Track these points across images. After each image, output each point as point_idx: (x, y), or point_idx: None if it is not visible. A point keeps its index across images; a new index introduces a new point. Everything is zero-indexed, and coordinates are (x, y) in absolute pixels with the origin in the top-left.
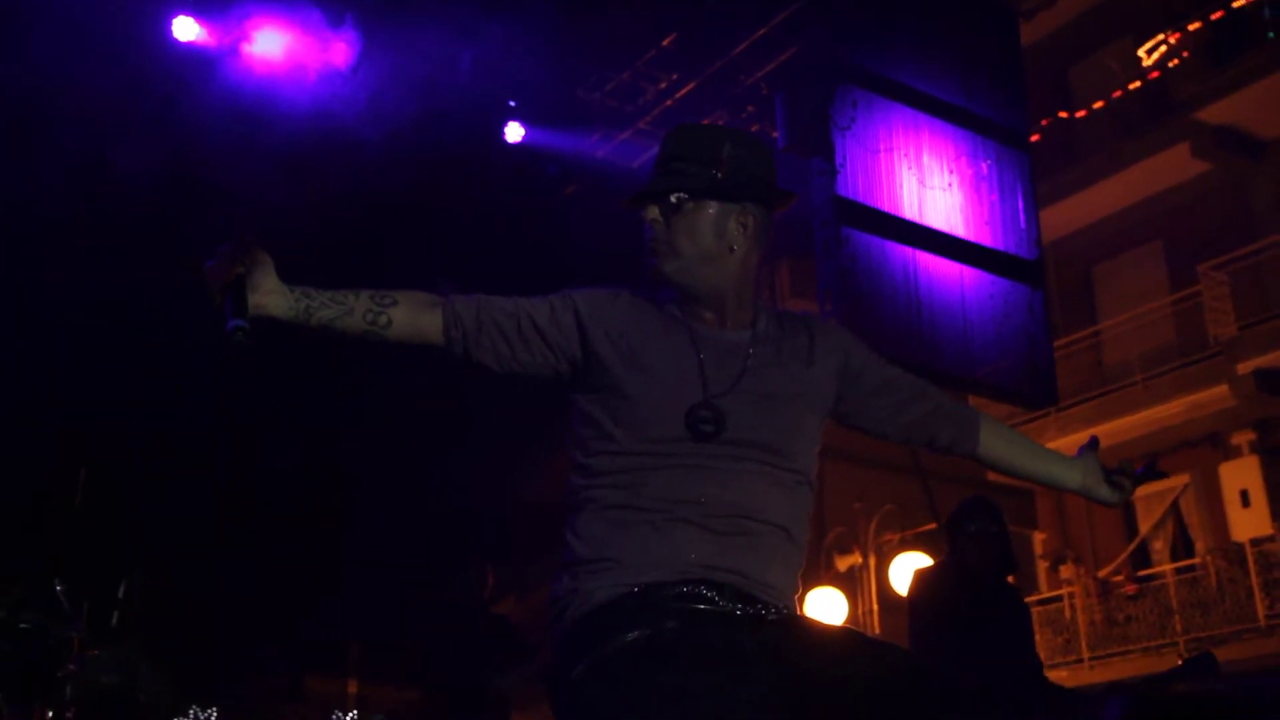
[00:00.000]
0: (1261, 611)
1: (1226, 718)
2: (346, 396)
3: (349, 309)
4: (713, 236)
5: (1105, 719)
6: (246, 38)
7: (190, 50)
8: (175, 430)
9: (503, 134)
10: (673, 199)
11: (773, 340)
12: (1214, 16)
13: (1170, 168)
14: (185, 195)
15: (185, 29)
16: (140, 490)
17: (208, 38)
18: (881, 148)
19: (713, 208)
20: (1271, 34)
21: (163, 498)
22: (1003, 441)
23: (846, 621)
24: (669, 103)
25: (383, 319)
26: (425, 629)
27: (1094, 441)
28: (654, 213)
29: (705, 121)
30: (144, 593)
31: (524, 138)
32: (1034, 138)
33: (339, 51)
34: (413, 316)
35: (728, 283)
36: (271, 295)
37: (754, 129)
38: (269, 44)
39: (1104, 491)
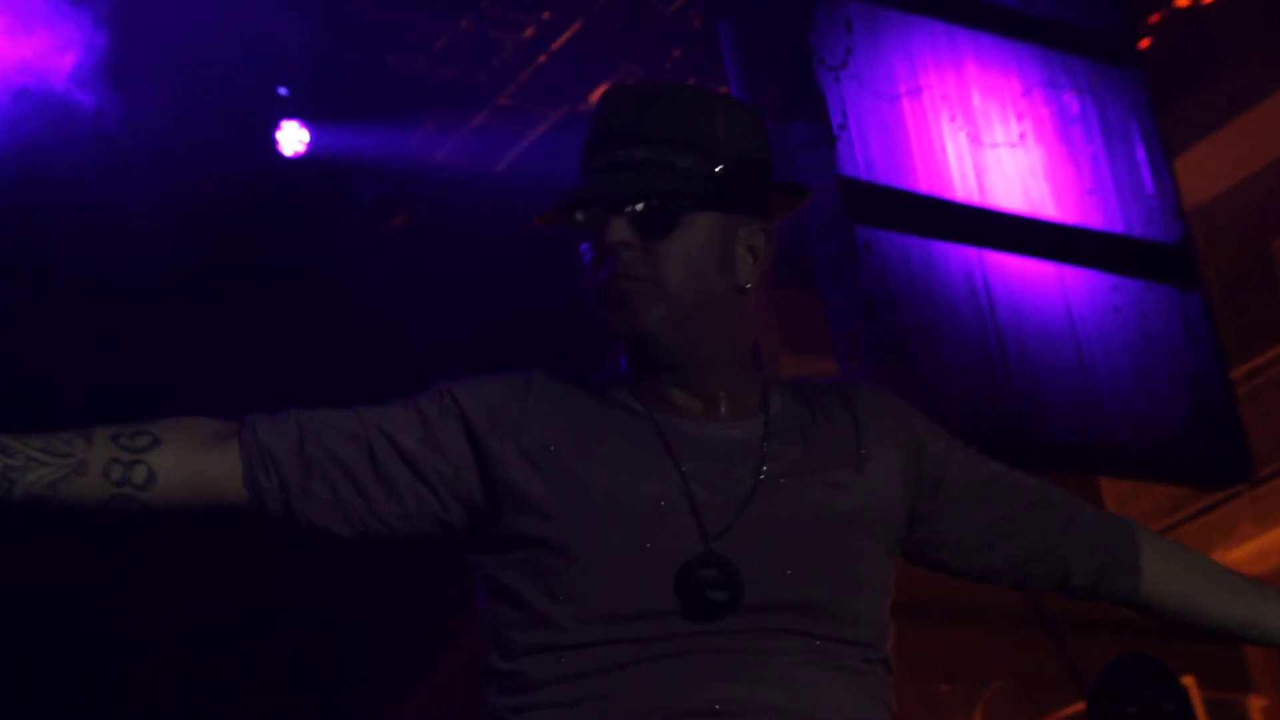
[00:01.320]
0: None
1: None
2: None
3: (78, 464)
4: (718, 269)
5: None
6: None
7: None
8: None
9: (275, 143)
10: (648, 207)
11: (798, 431)
12: None
13: None
14: None
15: None
16: None
17: None
18: (903, 90)
19: (709, 222)
20: None
21: None
22: (1181, 573)
23: None
24: (543, 59)
25: (139, 473)
26: None
27: None
28: (623, 231)
29: (607, 82)
30: None
31: (309, 145)
32: (1143, 43)
33: (60, 48)
34: (188, 463)
35: (731, 343)
36: None
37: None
38: None
39: None
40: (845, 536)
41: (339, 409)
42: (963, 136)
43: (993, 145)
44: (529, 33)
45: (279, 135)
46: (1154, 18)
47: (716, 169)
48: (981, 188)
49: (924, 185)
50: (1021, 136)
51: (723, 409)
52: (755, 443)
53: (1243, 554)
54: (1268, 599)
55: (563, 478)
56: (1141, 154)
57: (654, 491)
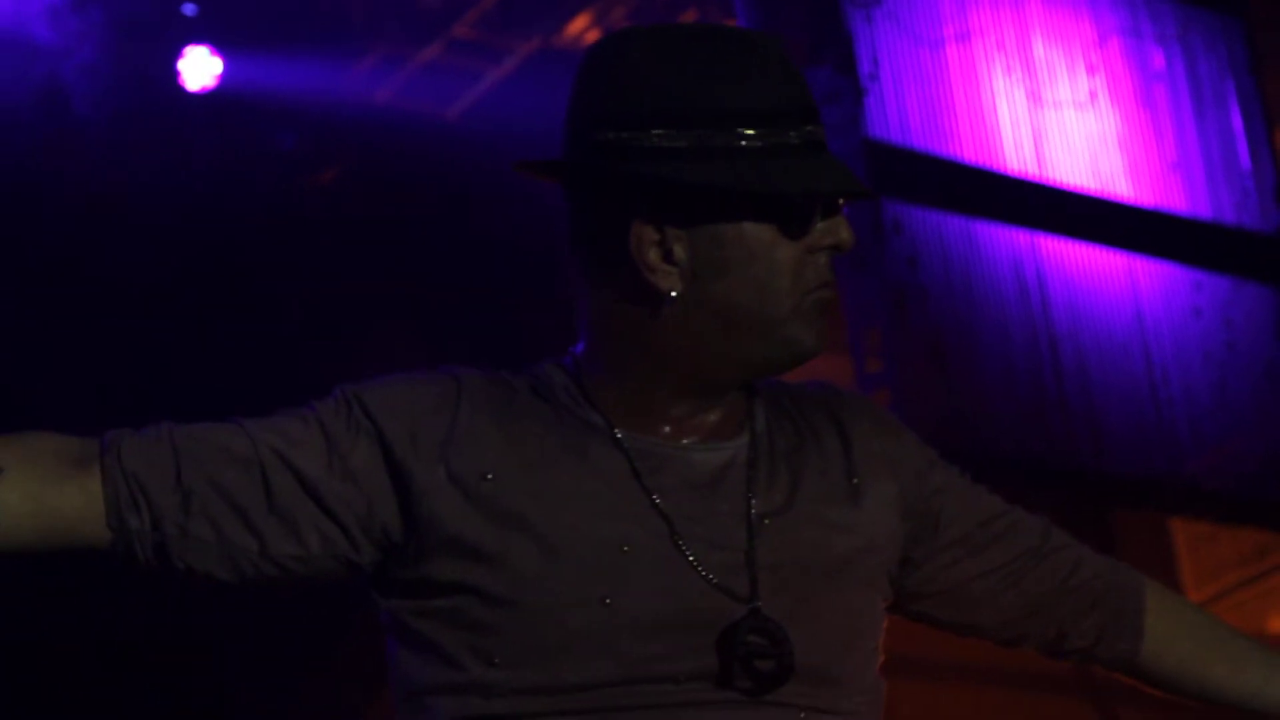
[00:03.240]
0: None
1: None
2: None
3: None
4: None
5: None
6: None
7: None
8: None
9: (177, 75)
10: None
11: (784, 456)
12: None
13: None
14: None
15: None
16: None
17: None
18: (949, 33)
19: None
20: None
21: None
22: (1185, 637)
23: None
24: None
25: None
26: None
27: None
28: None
29: (588, 10)
30: None
31: (221, 77)
32: None
33: None
34: (36, 496)
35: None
36: None
37: (687, 19)
38: None
39: None
40: (840, 587)
41: (220, 422)
42: (1020, 94)
43: (1056, 105)
44: None
45: (182, 65)
46: None
47: None
48: (1039, 157)
49: (969, 152)
50: (1092, 96)
51: (708, 426)
52: (738, 471)
53: None
54: (1277, 668)
55: (503, 514)
56: (1238, 122)
57: (617, 533)
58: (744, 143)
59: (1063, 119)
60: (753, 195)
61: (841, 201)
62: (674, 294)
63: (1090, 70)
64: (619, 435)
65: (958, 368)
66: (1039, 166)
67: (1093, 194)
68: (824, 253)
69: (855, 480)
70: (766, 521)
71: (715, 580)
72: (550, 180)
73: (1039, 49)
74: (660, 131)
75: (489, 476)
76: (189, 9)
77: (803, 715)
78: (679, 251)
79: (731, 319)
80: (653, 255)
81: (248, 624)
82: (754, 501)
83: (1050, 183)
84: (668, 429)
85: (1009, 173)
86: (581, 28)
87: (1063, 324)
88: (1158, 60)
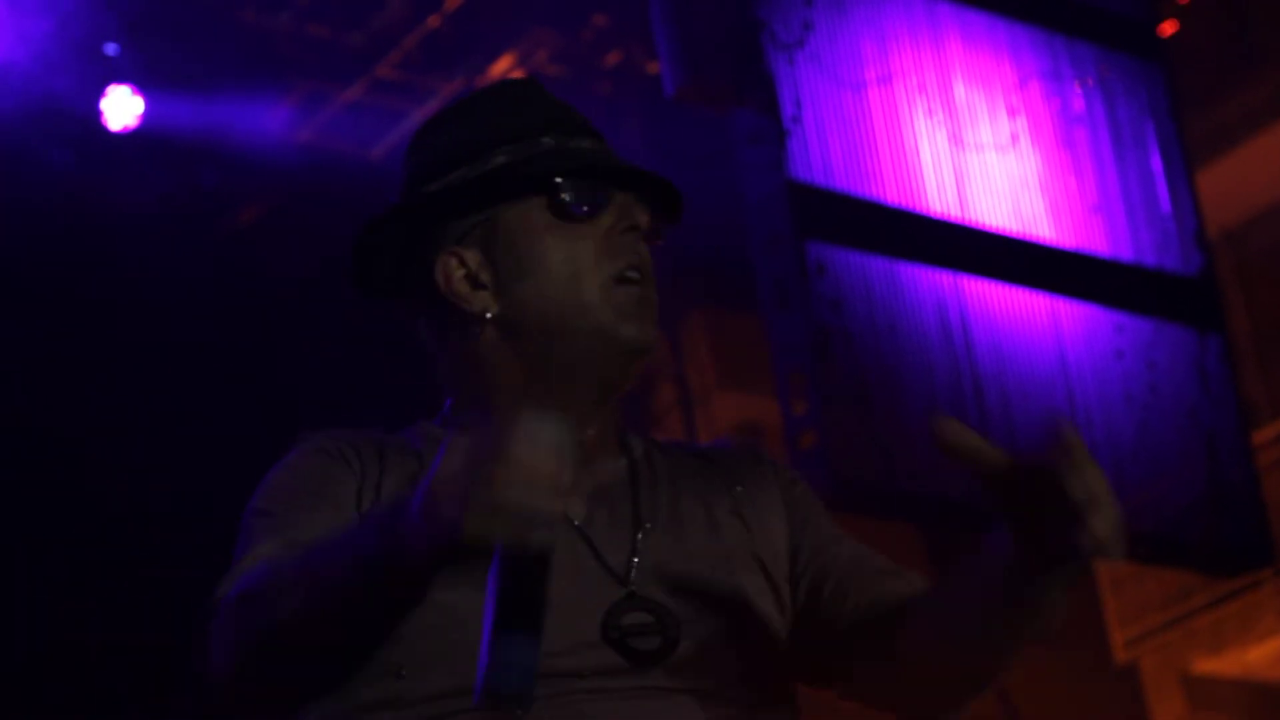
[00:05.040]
0: None
1: None
2: None
3: None
4: None
5: None
6: None
7: None
8: None
9: (99, 115)
10: (668, 193)
11: (665, 477)
12: None
13: None
14: None
15: None
16: None
17: None
18: (871, 76)
19: None
20: None
21: None
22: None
23: None
24: (434, 20)
25: None
26: None
27: None
28: (646, 220)
29: (511, 51)
30: None
31: (142, 117)
32: (1167, 29)
33: None
34: None
35: None
36: None
37: (611, 61)
38: None
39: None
40: (728, 573)
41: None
42: (941, 136)
43: (978, 148)
44: None
45: (105, 104)
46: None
47: None
48: (962, 199)
49: (892, 194)
50: (1013, 138)
51: (589, 448)
52: (621, 487)
53: (1262, 653)
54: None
55: None
56: (1157, 164)
57: None
58: (500, 159)
59: (984, 161)
60: (510, 181)
61: (649, 227)
62: (489, 315)
63: (1011, 113)
64: None
65: (882, 409)
66: (961, 208)
67: (1015, 236)
68: (627, 234)
69: (739, 487)
70: (648, 525)
71: (602, 576)
72: (370, 275)
73: (960, 91)
74: (438, 178)
75: None
76: (111, 49)
77: (709, 706)
78: (483, 274)
79: (548, 319)
80: (460, 285)
81: None
82: (640, 508)
83: (973, 224)
84: None
85: (932, 214)
86: (505, 68)
87: (986, 365)
88: (1078, 103)
